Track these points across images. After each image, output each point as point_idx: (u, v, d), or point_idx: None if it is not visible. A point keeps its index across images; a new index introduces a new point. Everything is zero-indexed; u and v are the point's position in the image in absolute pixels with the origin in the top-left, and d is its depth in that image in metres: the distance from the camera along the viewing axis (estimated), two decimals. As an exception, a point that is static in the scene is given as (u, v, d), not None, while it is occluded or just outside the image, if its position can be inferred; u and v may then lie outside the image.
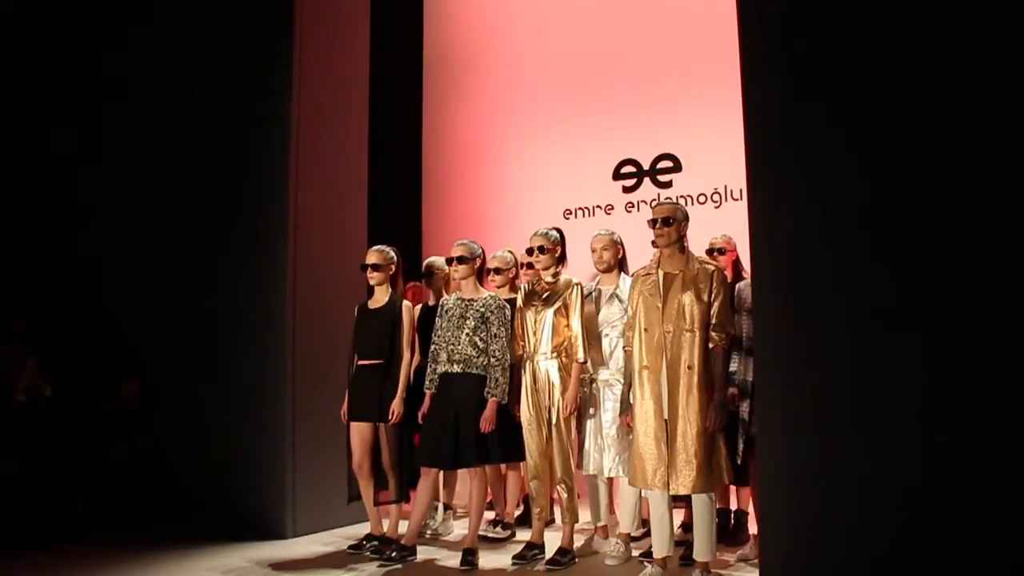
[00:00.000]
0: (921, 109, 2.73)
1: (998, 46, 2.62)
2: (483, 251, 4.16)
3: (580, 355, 3.91)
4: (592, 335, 4.00)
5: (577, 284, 4.02)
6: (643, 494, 3.79)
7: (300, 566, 4.03)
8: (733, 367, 3.79)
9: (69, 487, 4.76)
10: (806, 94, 2.97)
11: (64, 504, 4.69)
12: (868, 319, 2.76)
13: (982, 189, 2.61)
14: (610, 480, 4.24)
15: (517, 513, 4.69)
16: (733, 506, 4.27)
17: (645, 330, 3.49)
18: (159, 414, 5.27)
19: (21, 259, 5.79)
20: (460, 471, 4.50)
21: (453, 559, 3.98)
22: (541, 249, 4.03)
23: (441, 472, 4.41)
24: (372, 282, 4.21)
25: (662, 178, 6.15)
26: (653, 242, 3.57)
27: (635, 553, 3.95)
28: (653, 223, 3.53)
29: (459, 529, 4.64)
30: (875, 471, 2.70)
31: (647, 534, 3.84)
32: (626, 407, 3.62)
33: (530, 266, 4.34)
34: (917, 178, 2.71)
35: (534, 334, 4.01)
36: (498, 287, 4.49)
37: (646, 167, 6.22)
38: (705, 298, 3.42)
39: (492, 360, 3.91)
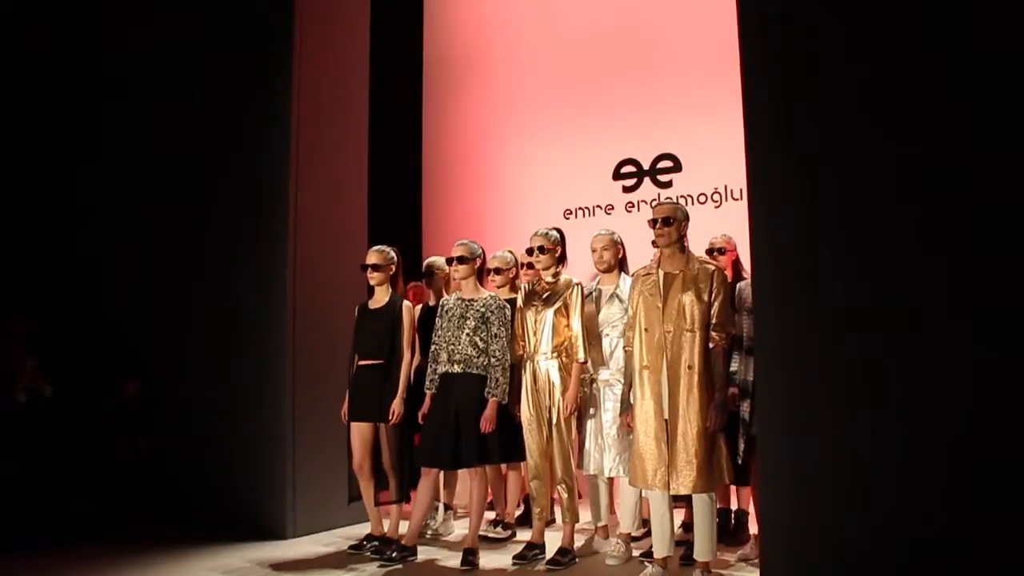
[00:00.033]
0: (921, 109, 2.73)
1: (998, 46, 2.62)
2: (483, 251, 4.16)
3: (580, 355, 3.91)
4: (592, 335, 4.00)
5: (577, 284, 4.02)
6: (643, 494, 3.79)
7: (300, 566, 4.03)
8: (734, 367, 3.80)
9: (69, 487, 4.76)
10: (806, 94, 2.96)
11: (64, 504, 4.69)
12: (868, 319, 2.75)
13: (982, 189, 2.61)
14: (610, 480, 4.24)
15: (518, 513, 4.70)
16: (734, 506, 4.27)
17: (645, 330, 3.49)
18: (159, 414, 5.28)
19: (21, 259, 5.79)
20: (460, 471, 4.50)
21: (454, 559, 3.98)
22: (541, 249, 4.03)
23: (441, 472, 4.41)
24: (372, 282, 4.21)
25: (662, 178, 6.15)
26: (653, 242, 3.57)
27: (636, 553, 3.94)
28: (653, 223, 3.53)
29: (459, 529, 4.64)
30: (875, 471, 2.70)
31: (647, 534, 3.84)
32: (626, 407, 3.62)
33: (530, 266, 4.34)
34: (917, 178, 2.71)
35: (534, 334, 4.01)
36: (498, 287, 4.49)
37: (646, 167, 6.21)
38: (705, 298, 3.42)
39: (492, 360, 3.91)
